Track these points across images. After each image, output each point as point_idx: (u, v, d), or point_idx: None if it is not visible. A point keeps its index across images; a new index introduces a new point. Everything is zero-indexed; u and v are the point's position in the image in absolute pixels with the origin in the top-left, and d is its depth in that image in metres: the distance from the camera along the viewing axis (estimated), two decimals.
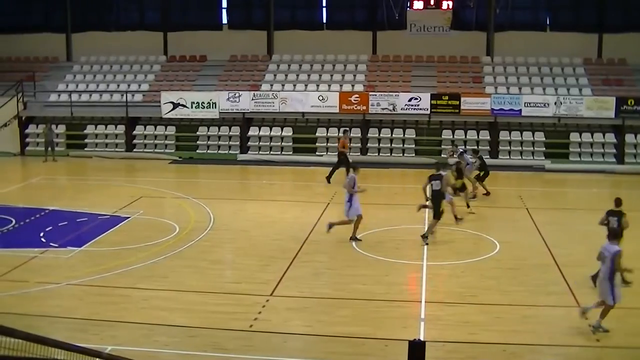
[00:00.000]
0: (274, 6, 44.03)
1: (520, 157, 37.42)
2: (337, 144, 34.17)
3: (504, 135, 37.98)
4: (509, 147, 37.81)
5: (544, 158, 37.00)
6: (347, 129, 36.59)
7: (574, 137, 37.85)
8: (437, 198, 22.50)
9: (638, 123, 37.06)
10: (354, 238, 22.19)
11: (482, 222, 24.75)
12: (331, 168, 31.99)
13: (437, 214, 22.32)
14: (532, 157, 37.09)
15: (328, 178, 31.62)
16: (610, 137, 37.73)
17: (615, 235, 16.01)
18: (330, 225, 22.59)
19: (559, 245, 22.13)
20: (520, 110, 37.03)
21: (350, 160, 30.61)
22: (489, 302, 17.09)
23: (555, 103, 36.95)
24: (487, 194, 28.78)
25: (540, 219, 25.29)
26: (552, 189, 31.48)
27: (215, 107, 38.74)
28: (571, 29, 42.13)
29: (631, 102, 36.83)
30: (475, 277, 19.03)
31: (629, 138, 37.48)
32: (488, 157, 36.79)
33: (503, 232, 23.38)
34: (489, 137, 38.03)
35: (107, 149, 40.74)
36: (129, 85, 42.54)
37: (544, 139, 37.82)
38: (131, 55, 44.84)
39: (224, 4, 45.33)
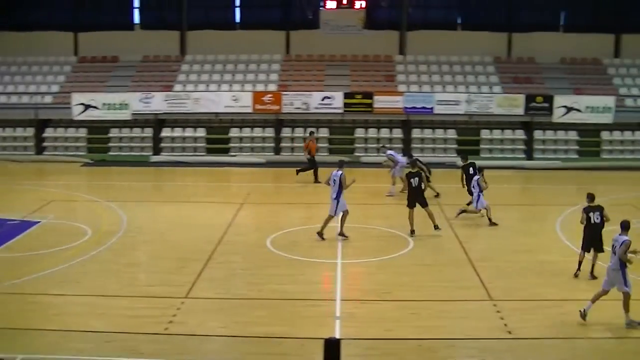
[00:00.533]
0: (186, 6, 43.60)
1: (432, 155, 37.88)
2: (302, 145, 33.84)
3: (416, 133, 38.46)
4: (421, 145, 38.27)
5: (455, 155, 37.56)
6: (313, 130, 36.26)
7: (485, 133, 38.57)
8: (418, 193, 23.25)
9: (546, 120, 37.95)
10: (342, 234, 22.44)
11: (395, 220, 24.97)
12: (304, 169, 32.33)
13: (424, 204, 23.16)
14: (444, 154, 37.62)
15: (315, 180, 31.78)
16: (520, 134, 38.57)
17: (625, 227, 16.23)
18: (321, 234, 22.43)
19: (472, 240, 22.55)
20: (432, 108, 37.57)
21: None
22: (404, 299, 17.28)
23: (466, 101, 37.60)
24: (437, 195, 28.79)
25: (453, 215, 25.66)
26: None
27: (128, 109, 38.29)
28: (482, 28, 42.88)
29: (539, 100, 37.72)
30: (389, 274, 19.23)
31: (538, 134, 38.42)
32: (402, 154, 37.20)
33: (417, 230, 23.59)
34: (401, 135, 38.46)
35: (15, 152, 39.81)
36: (38, 87, 41.67)
37: (456, 136, 38.44)
38: (41, 56, 43.90)
39: (136, 4, 44.61)
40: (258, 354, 14.25)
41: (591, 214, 18.98)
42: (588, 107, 37.76)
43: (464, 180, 26.10)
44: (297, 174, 31.99)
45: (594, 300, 15.88)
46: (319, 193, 30.16)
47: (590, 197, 19.30)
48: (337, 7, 37.62)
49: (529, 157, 37.99)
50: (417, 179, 23.13)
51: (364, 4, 37.51)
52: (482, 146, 38.40)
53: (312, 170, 31.86)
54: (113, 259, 20.41)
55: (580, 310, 15.74)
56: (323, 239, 22.25)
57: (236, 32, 43.68)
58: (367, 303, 16.98)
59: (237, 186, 32.46)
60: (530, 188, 32.87)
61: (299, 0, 38.93)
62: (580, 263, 19.13)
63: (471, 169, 26.05)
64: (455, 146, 38.29)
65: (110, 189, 32.37)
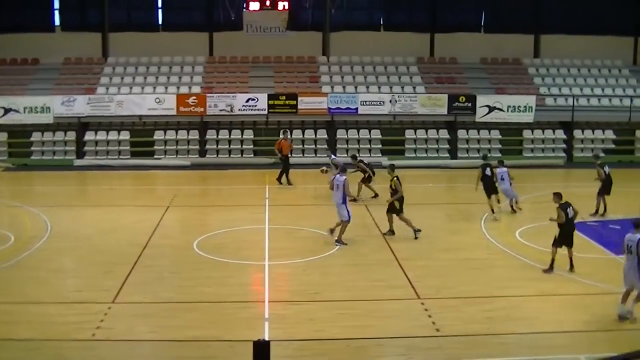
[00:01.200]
0: (108, 7, 42.99)
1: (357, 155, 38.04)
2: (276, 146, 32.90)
3: (341, 133, 38.62)
4: (346, 145, 38.45)
5: (380, 155, 37.84)
6: (287, 129, 36.01)
7: (409, 133, 38.93)
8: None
9: (469, 119, 38.49)
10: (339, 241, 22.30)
11: (323, 220, 25.04)
12: (280, 174, 31.85)
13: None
14: (369, 155, 37.81)
15: (287, 182, 31.56)
16: (444, 133, 39.03)
17: (637, 225, 16.39)
18: (338, 241, 22.30)
19: (399, 240, 22.72)
20: (356, 108, 37.78)
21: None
22: (332, 299, 17.35)
23: (390, 101, 37.91)
24: (375, 196, 28.85)
25: (379, 214, 25.80)
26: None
27: (50, 112, 37.62)
28: (404, 28, 43.32)
29: (462, 99, 38.24)
30: (318, 274, 19.30)
31: (461, 134, 38.94)
32: (326, 155, 37.34)
33: (348, 230, 23.72)
34: (326, 136, 38.59)
35: None
36: None
37: (380, 136, 38.70)
38: None
39: (56, 5, 43.81)
40: (187, 357, 14.17)
41: (568, 210, 19.34)
42: (510, 106, 38.41)
43: (480, 180, 26.04)
44: (287, 183, 31.57)
45: (624, 300, 16.17)
46: (245, 195, 30.17)
47: (559, 195, 19.71)
48: (260, 8, 37.58)
49: (453, 156, 38.49)
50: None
51: (287, 5, 37.56)
52: (406, 146, 38.75)
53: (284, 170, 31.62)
54: (38, 265, 20.04)
55: (619, 315, 16.01)
56: (345, 243, 22.16)
57: (159, 33, 43.28)
58: (296, 304, 17.00)
59: (163, 189, 32.20)
60: (455, 187, 33.26)
61: (222, 1, 38.70)
62: (553, 260, 19.39)
63: (488, 169, 26.20)
64: (379, 146, 38.55)
65: (33, 194, 31.83)
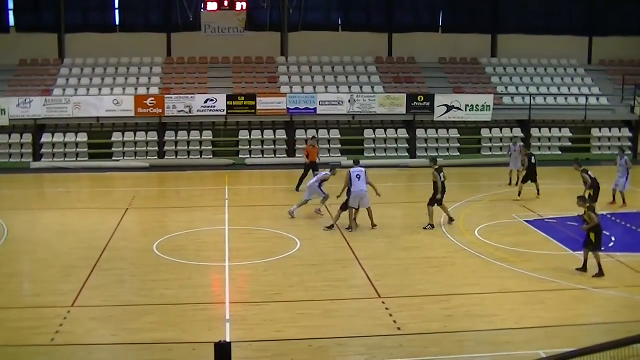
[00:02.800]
0: (64, 8, 42.58)
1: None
2: (303, 151, 32.14)
3: (300, 133, 38.63)
4: (304, 146, 38.40)
5: (339, 155, 37.91)
6: (315, 135, 35.87)
7: (368, 133, 39.05)
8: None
9: (427, 118, 38.70)
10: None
11: (282, 221, 25.08)
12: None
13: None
14: (328, 154, 37.89)
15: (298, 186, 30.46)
16: (402, 133, 39.21)
17: None
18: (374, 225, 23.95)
19: (358, 239, 22.78)
20: (315, 108, 37.82)
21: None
22: (293, 299, 17.36)
23: (348, 101, 38.01)
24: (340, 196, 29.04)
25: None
26: (341, 185, 32.27)
27: (5, 114, 37.16)
28: (362, 28, 43.50)
29: (420, 99, 38.44)
30: (278, 275, 19.27)
31: (420, 133, 39.16)
32: (285, 156, 37.41)
33: (303, 229, 23.80)
34: (285, 136, 38.57)
35: None
36: None
37: (339, 136, 38.77)
38: None
39: (10, 5, 43.27)
40: None
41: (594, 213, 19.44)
42: (467, 105, 38.69)
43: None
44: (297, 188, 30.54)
45: None
46: (204, 196, 30.08)
47: (582, 199, 20.26)
48: (218, 8, 37.43)
49: (412, 155, 38.67)
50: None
51: (244, 5, 37.45)
52: (365, 145, 38.86)
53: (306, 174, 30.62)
54: None
55: None
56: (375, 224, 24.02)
57: (116, 34, 42.99)
58: (257, 305, 16.97)
59: (121, 191, 31.96)
60: (414, 186, 33.39)
61: (180, 2, 38.52)
62: (599, 264, 19.40)
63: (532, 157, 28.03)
64: (338, 146, 38.62)
65: None
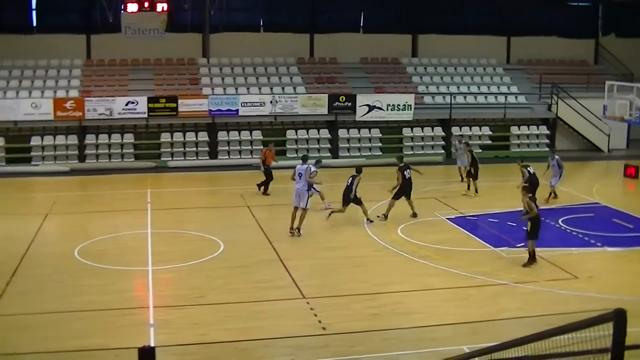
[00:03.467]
0: None
1: (239, 157, 38.00)
2: (261, 155, 31.53)
3: (222, 135, 38.43)
4: (227, 147, 38.30)
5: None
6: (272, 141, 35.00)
7: (290, 134, 39.05)
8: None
9: (350, 118, 38.88)
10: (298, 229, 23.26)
11: (206, 223, 24.94)
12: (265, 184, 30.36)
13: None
14: (251, 156, 37.76)
15: (264, 190, 30.19)
16: (325, 133, 39.31)
17: None
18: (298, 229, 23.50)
19: (282, 240, 22.80)
20: (237, 110, 37.67)
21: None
22: (217, 302, 17.29)
23: (271, 102, 37.95)
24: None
25: (262, 215, 25.94)
26: (272, 186, 32.26)
27: None
28: (284, 29, 43.49)
29: (342, 99, 38.60)
30: (201, 278, 19.17)
31: (342, 133, 39.29)
32: (207, 158, 37.19)
33: (227, 232, 23.69)
34: (207, 138, 38.32)
35: None
36: None
37: (262, 137, 38.68)
38: None
39: None
40: None
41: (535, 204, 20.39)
42: (389, 105, 38.97)
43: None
44: (262, 192, 30.22)
45: None
46: (127, 199, 29.72)
47: (527, 188, 21.64)
48: (139, 10, 36.96)
49: (334, 155, 38.79)
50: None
51: (165, 6, 37.08)
52: (288, 146, 38.84)
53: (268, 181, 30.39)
54: None
55: None
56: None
57: (33, 36, 42.14)
58: (181, 308, 16.86)
59: (41, 196, 31.36)
60: (336, 186, 33.29)
61: (99, 3, 37.96)
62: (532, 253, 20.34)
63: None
64: (261, 147, 38.45)
65: None
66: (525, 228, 20.34)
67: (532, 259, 20.24)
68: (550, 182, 28.04)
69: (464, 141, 32.12)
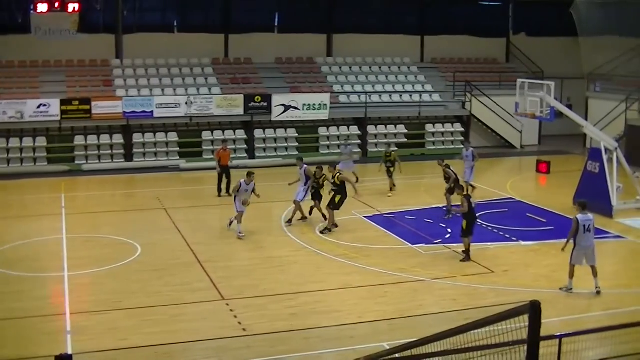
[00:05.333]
0: None
1: (155, 159, 37.58)
2: (215, 155, 30.90)
3: (137, 137, 37.93)
4: (143, 149, 37.82)
5: (178, 158, 37.46)
6: (226, 139, 34.89)
7: (206, 135, 38.77)
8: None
9: (266, 119, 38.80)
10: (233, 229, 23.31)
11: (122, 227, 24.60)
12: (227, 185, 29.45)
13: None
14: (167, 158, 37.40)
15: (226, 190, 29.22)
16: (241, 134, 39.15)
17: (583, 206, 18.37)
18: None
19: (200, 242, 22.65)
20: (152, 112, 37.22)
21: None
22: (136, 306, 17.09)
23: (186, 103, 37.62)
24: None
25: (179, 218, 25.70)
26: (189, 188, 32.06)
27: None
28: (199, 30, 43.12)
29: (258, 99, 38.49)
30: (119, 282, 18.92)
31: (258, 133, 39.17)
32: (123, 160, 36.69)
33: (144, 235, 23.41)
34: (122, 141, 37.77)
35: None
36: None
37: (177, 139, 38.32)
38: None
39: None
40: None
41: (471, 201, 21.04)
42: (305, 104, 39.02)
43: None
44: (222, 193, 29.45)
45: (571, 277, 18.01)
46: (40, 204, 29.14)
47: (460, 187, 22.48)
48: (49, 10, 36.16)
49: (251, 156, 38.66)
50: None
51: (77, 7, 36.38)
52: (204, 148, 38.52)
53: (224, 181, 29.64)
54: None
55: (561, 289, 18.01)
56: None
57: None
58: (99, 314, 16.61)
59: None
60: (265, 187, 33.27)
61: (7, 3, 37.09)
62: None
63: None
64: (177, 149, 38.11)
65: None
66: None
67: (468, 255, 20.57)
68: (464, 178, 28.45)
69: (349, 146, 32.66)
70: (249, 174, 23.55)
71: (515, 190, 30.50)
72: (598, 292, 17.98)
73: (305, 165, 25.61)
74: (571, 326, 13.64)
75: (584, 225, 17.75)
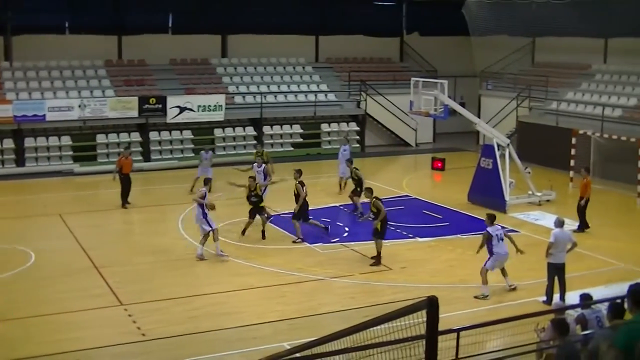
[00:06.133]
0: None
1: (48, 163, 36.73)
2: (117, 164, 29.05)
3: (29, 142, 37.02)
4: (35, 154, 36.94)
5: (72, 162, 36.72)
6: (128, 145, 33.80)
7: (101, 138, 38.10)
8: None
9: (161, 121, 38.38)
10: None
11: (14, 234, 23.96)
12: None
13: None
14: (60, 162, 36.62)
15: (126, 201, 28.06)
16: (136, 136, 38.61)
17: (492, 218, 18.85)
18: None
19: (96, 247, 22.26)
20: (44, 115, 36.37)
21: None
22: (30, 315, 16.70)
23: (79, 106, 36.91)
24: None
25: (74, 223, 25.18)
26: (84, 192, 31.48)
27: None
28: (91, 31, 42.28)
29: (153, 101, 38.04)
30: (12, 291, 18.46)
31: (153, 135, 38.70)
32: (14, 165, 35.78)
33: (38, 242, 22.85)
34: (13, 145, 36.81)
35: None
36: None
37: (71, 142, 37.57)
38: None
39: None
40: None
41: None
42: (200, 106, 38.75)
43: None
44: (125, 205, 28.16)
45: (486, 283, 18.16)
46: None
47: (370, 190, 21.65)
48: None
49: (146, 158, 38.16)
50: None
51: None
52: (98, 151, 37.86)
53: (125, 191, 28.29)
54: None
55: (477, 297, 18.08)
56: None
57: None
58: None
59: None
60: (149, 189, 32.91)
61: None
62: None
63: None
64: (70, 153, 37.36)
65: None
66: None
67: (379, 259, 20.63)
68: (338, 174, 28.87)
69: (210, 152, 32.13)
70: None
71: (411, 188, 30.96)
72: (513, 289, 18.47)
73: (264, 164, 25.97)
74: (469, 320, 13.88)
75: (496, 235, 18.18)
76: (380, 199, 21.18)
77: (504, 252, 18.36)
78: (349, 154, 29.66)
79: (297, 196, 23.18)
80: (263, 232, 23.32)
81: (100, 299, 17.76)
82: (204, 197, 21.37)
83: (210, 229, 21.06)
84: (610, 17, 36.57)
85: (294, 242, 22.87)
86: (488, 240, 18.15)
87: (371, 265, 20.56)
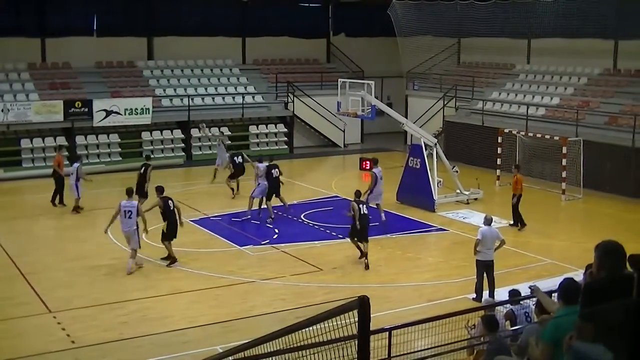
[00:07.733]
0: None
1: None
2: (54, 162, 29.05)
3: None
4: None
5: None
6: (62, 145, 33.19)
7: (25, 143, 37.43)
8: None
9: (87, 124, 37.85)
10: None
11: None
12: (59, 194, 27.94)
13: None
14: None
15: (60, 201, 27.70)
16: (61, 140, 37.96)
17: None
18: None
19: (23, 254, 21.85)
20: None
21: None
22: None
23: (2, 110, 36.23)
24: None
25: None
26: (8, 198, 30.87)
27: None
28: (12, 34, 41.36)
29: (78, 105, 37.52)
30: None
31: (80, 139, 38.14)
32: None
33: None
34: None
35: None
36: None
37: None
38: None
39: None
40: None
41: (361, 206, 20.92)
42: (127, 109, 38.36)
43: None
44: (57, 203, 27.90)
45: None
46: None
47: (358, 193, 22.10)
48: None
49: (73, 163, 37.58)
50: None
51: None
52: (23, 156, 37.18)
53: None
54: None
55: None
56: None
57: None
58: None
59: None
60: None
61: None
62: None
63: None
64: None
65: None
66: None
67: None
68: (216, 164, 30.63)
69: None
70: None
71: (340, 188, 31.09)
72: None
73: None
74: (400, 319, 14.01)
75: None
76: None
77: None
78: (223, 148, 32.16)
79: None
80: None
81: (28, 307, 17.46)
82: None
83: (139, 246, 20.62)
84: (533, 18, 37.29)
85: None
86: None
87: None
